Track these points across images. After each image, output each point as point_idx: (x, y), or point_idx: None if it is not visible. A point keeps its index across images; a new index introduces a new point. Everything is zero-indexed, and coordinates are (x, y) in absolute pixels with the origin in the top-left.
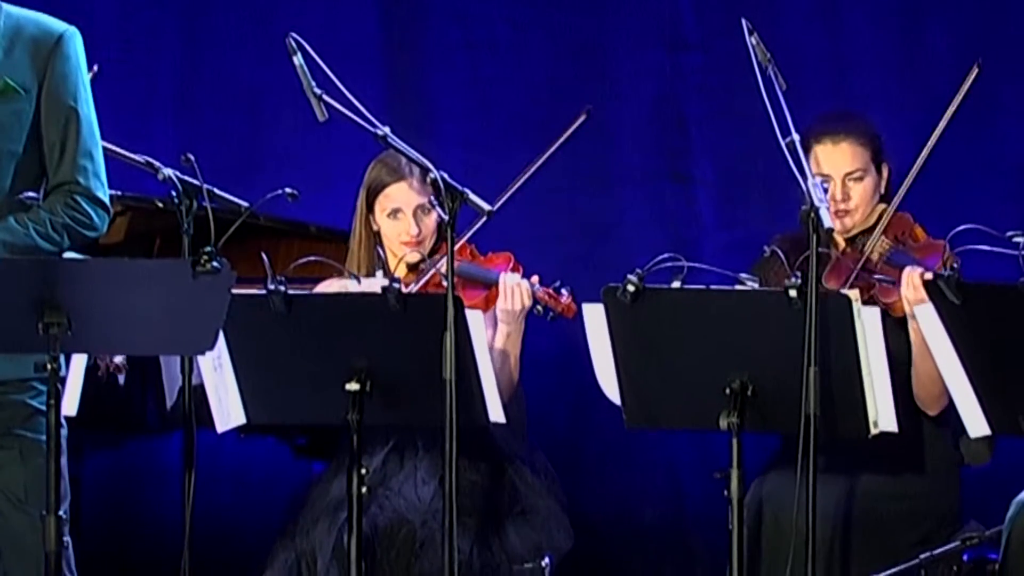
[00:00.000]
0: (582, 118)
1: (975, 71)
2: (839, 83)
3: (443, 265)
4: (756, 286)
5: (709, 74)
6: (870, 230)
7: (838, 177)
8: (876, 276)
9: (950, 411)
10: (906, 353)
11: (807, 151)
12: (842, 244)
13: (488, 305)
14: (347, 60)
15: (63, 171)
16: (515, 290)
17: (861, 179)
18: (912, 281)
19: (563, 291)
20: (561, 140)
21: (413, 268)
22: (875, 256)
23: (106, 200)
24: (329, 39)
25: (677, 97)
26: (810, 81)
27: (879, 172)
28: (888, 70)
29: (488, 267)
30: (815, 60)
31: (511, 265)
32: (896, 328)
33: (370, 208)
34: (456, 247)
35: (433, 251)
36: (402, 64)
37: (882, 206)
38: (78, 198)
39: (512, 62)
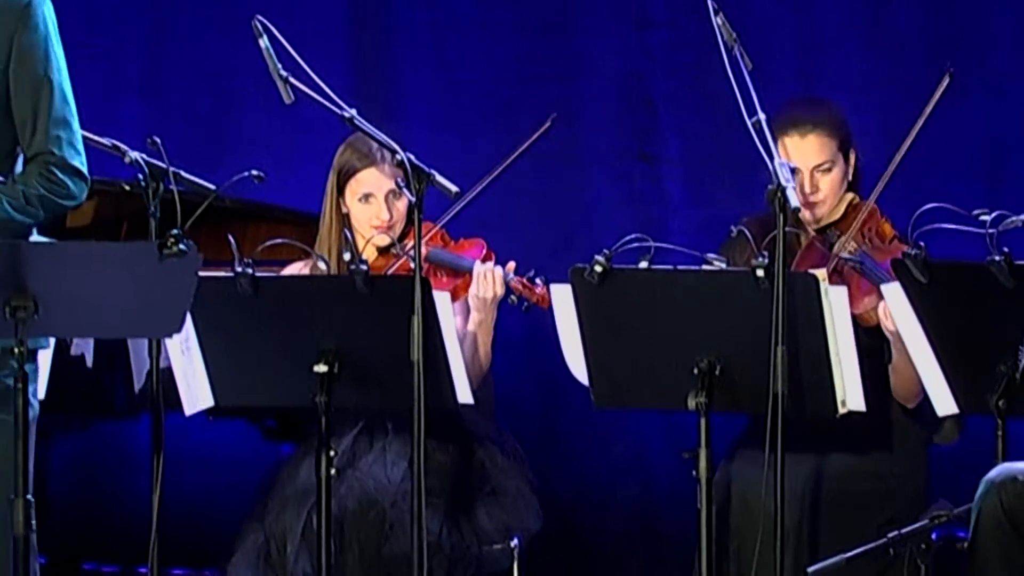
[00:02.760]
0: (547, 125)
1: (946, 80)
2: (806, 62)
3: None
4: (723, 266)
5: (676, 52)
6: (839, 221)
7: (806, 169)
8: (843, 255)
9: (924, 405)
10: (877, 340)
11: (774, 142)
12: (812, 233)
13: (459, 293)
14: (313, 41)
15: (37, 142)
16: (488, 277)
17: (829, 170)
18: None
19: (537, 280)
20: (523, 147)
21: (383, 251)
22: (847, 259)
23: (82, 168)
24: (295, 20)
25: (644, 76)
26: (777, 61)
27: (846, 160)
28: (855, 49)
29: (460, 254)
30: (782, 39)
31: (484, 253)
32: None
33: (340, 191)
34: (428, 234)
35: (403, 235)
36: (368, 45)
37: (850, 195)
38: (53, 168)
39: (478, 42)
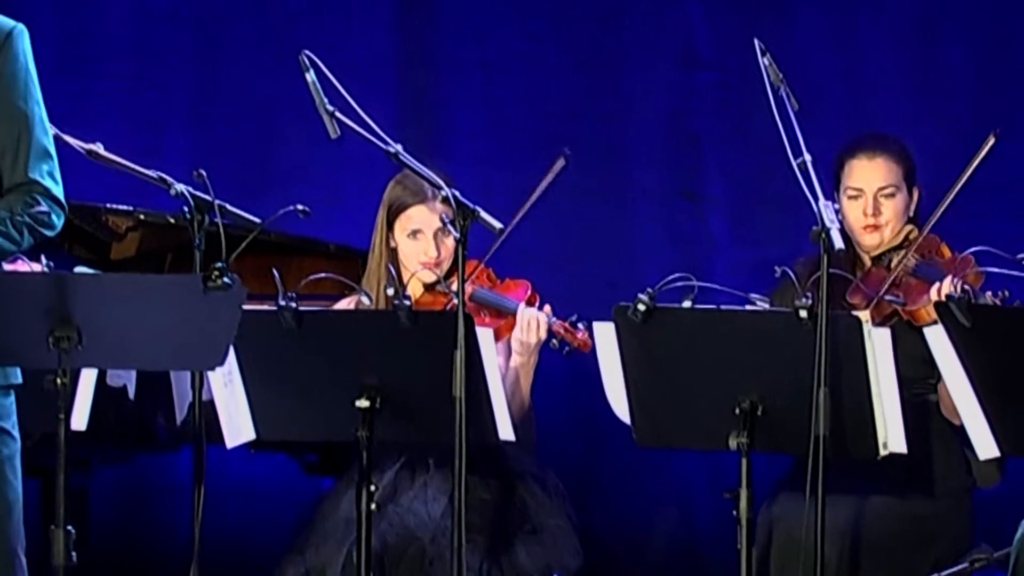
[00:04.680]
0: (560, 163)
1: (991, 141)
2: (854, 103)
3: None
4: (767, 306)
5: (723, 92)
6: (897, 249)
7: (870, 192)
8: (887, 297)
9: None
10: (915, 372)
11: (840, 167)
12: (868, 263)
13: (502, 334)
14: (360, 75)
15: (19, 172)
16: (532, 323)
17: (893, 195)
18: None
19: (579, 325)
20: (540, 189)
21: (429, 288)
22: (901, 271)
23: (62, 199)
24: (342, 54)
25: (690, 114)
26: (825, 101)
27: (910, 193)
28: (903, 89)
29: (506, 295)
30: (830, 80)
31: (528, 295)
32: (911, 345)
33: (389, 227)
34: (474, 272)
35: (450, 272)
36: (415, 80)
37: (910, 227)
38: (37, 196)
39: (525, 79)
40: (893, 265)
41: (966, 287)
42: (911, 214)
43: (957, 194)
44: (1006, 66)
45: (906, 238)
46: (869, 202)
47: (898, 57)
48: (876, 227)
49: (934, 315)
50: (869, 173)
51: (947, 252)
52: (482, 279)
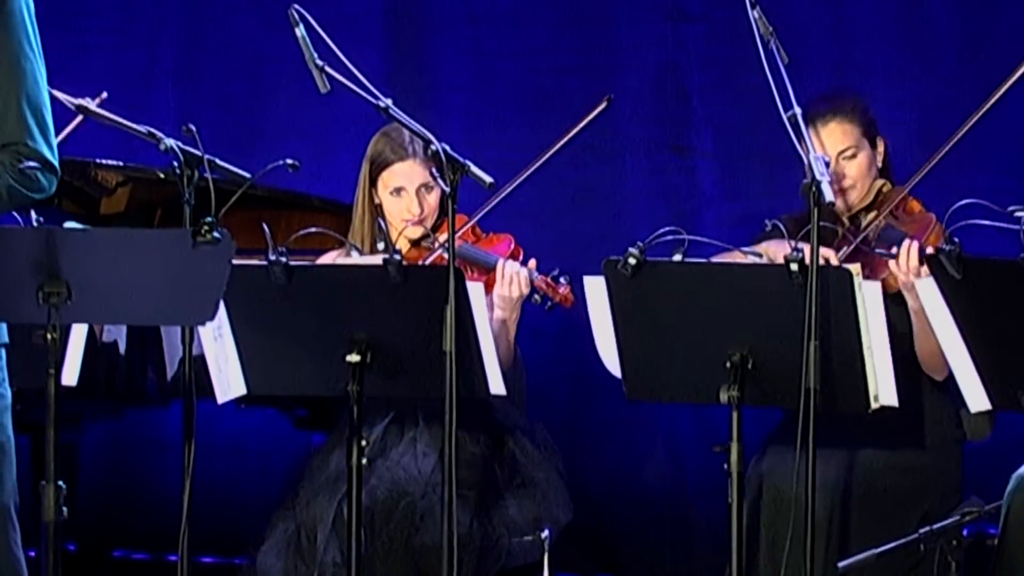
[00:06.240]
0: (603, 105)
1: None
2: (841, 55)
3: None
4: (757, 260)
5: (711, 45)
6: (870, 207)
7: (832, 157)
8: (877, 251)
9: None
10: (906, 326)
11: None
12: (847, 225)
13: (490, 287)
14: (349, 30)
15: (7, 132)
16: (513, 278)
17: (854, 156)
18: (909, 254)
19: (561, 280)
20: (579, 127)
21: (416, 243)
22: (871, 233)
23: (53, 160)
24: (331, 9)
25: (679, 68)
26: (812, 54)
27: (873, 147)
28: (890, 42)
29: (488, 251)
30: (817, 32)
31: (511, 249)
32: (895, 302)
33: (373, 183)
34: (462, 229)
35: (436, 226)
36: (404, 34)
37: (881, 181)
38: (24, 158)
39: (514, 33)
40: (863, 227)
41: (955, 239)
42: (879, 165)
43: (935, 164)
44: (992, 16)
45: (879, 192)
46: (832, 167)
47: (884, 8)
48: (843, 190)
49: (898, 285)
50: (825, 139)
51: (916, 207)
52: (466, 234)
